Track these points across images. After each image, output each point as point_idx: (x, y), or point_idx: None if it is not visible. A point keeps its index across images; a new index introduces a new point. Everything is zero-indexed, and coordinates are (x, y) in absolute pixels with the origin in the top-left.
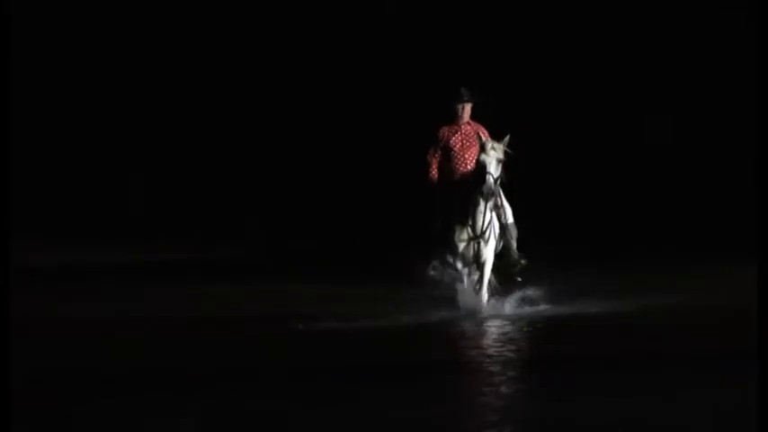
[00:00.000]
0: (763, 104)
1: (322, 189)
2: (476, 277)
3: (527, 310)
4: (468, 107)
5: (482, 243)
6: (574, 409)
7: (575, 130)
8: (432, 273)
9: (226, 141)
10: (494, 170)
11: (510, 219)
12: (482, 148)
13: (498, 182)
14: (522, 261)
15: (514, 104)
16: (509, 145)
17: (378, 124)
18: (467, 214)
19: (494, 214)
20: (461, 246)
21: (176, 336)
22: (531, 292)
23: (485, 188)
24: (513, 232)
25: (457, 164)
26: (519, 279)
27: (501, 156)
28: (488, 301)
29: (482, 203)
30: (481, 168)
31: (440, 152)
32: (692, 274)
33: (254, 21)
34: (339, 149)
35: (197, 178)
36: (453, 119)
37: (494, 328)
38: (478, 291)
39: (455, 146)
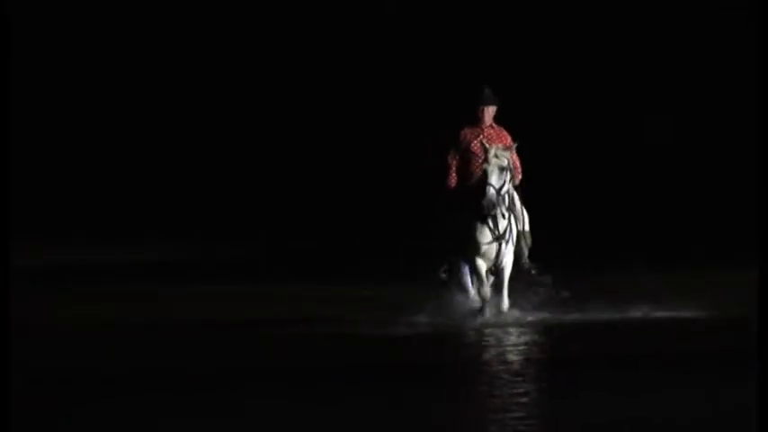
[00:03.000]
0: (763, 104)
1: (322, 189)
2: (491, 280)
3: (529, 313)
4: (490, 110)
5: (503, 245)
6: (578, 407)
7: (575, 129)
8: (442, 275)
9: (226, 141)
10: (495, 180)
11: (526, 227)
12: (485, 155)
13: (505, 191)
14: (533, 271)
15: (514, 104)
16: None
17: (378, 124)
18: (486, 216)
19: (512, 217)
20: (485, 247)
21: (176, 336)
22: (534, 295)
23: (485, 201)
24: (528, 241)
25: (476, 169)
26: (534, 273)
27: (504, 163)
28: (508, 304)
29: (497, 209)
30: (482, 178)
31: (459, 155)
32: (693, 274)
33: (254, 21)
34: (339, 149)
35: (197, 177)
36: (475, 122)
37: (497, 331)
38: (499, 293)
39: (476, 150)
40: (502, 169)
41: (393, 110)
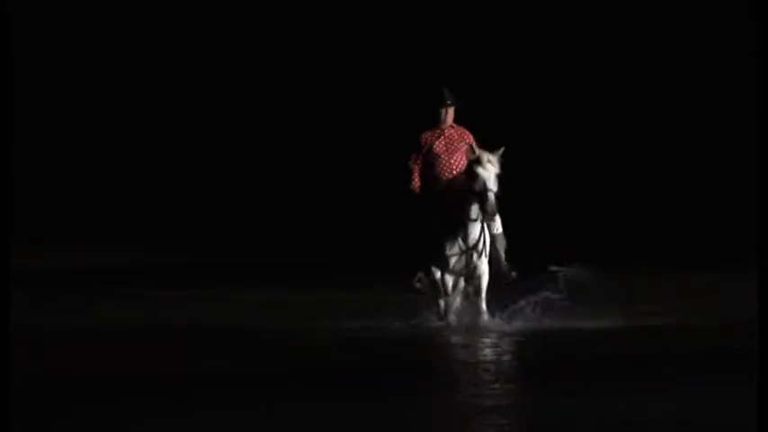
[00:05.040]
0: (763, 104)
1: (320, 192)
2: (469, 290)
3: (521, 319)
4: (451, 111)
5: (475, 255)
6: (574, 409)
7: (575, 128)
8: (417, 285)
9: (225, 142)
10: (494, 186)
11: (499, 229)
12: (478, 162)
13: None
14: (513, 273)
15: (513, 103)
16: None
17: (376, 126)
18: (457, 225)
19: (485, 224)
20: (453, 260)
21: (176, 339)
22: (524, 302)
23: (488, 208)
24: (502, 243)
25: (441, 170)
26: (514, 274)
27: (498, 170)
28: (485, 313)
29: (474, 214)
30: (480, 185)
31: (422, 158)
32: (692, 275)
33: (254, 21)
34: (336, 151)
35: (196, 179)
36: (436, 123)
37: (485, 338)
38: (476, 303)
39: (439, 151)
40: (497, 176)
41: (392, 111)
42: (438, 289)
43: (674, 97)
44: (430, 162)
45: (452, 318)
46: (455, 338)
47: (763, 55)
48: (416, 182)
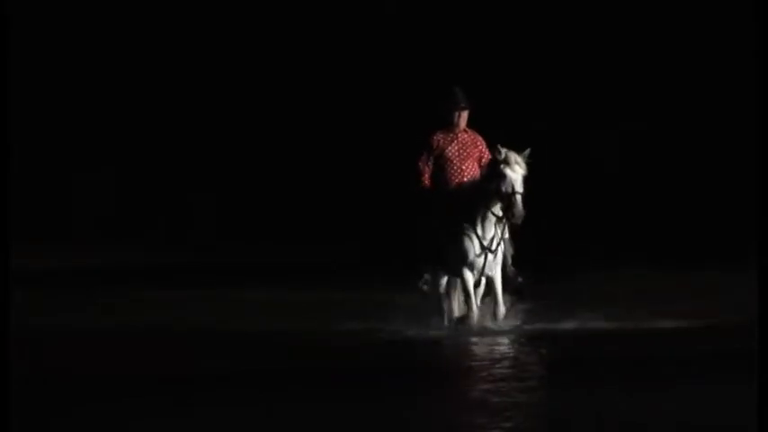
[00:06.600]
0: (763, 104)
1: (319, 192)
2: (480, 290)
3: (523, 321)
4: (464, 114)
5: (490, 256)
6: (574, 408)
7: (576, 127)
8: (423, 286)
9: (225, 142)
10: (521, 188)
11: (506, 234)
12: (506, 162)
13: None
14: (519, 279)
15: (513, 103)
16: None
17: (375, 126)
18: (474, 225)
19: (497, 227)
20: (471, 256)
21: (176, 340)
22: (527, 303)
23: (517, 211)
24: (509, 248)
25: (452, 174)
26: (520, 279)
27: (526, 171)
28: (504, 311)
29: (495, 213)
30: (508, 186)
31: (433, 160)
32: (693, 275)
33: (254, 21)
34: (336, 151)
35: (195, 180)
36: (448, 126)
37: (487, 338)
38: (494, 303)
39: (451, 156)
40: (524, 178)
41: (393, 111)
42: (439, 293)
43: (674, 97)
44: (440, 165)
45: (476, 319)
46: (455, 339)
47: (763, 55)
48: (427, 181)
